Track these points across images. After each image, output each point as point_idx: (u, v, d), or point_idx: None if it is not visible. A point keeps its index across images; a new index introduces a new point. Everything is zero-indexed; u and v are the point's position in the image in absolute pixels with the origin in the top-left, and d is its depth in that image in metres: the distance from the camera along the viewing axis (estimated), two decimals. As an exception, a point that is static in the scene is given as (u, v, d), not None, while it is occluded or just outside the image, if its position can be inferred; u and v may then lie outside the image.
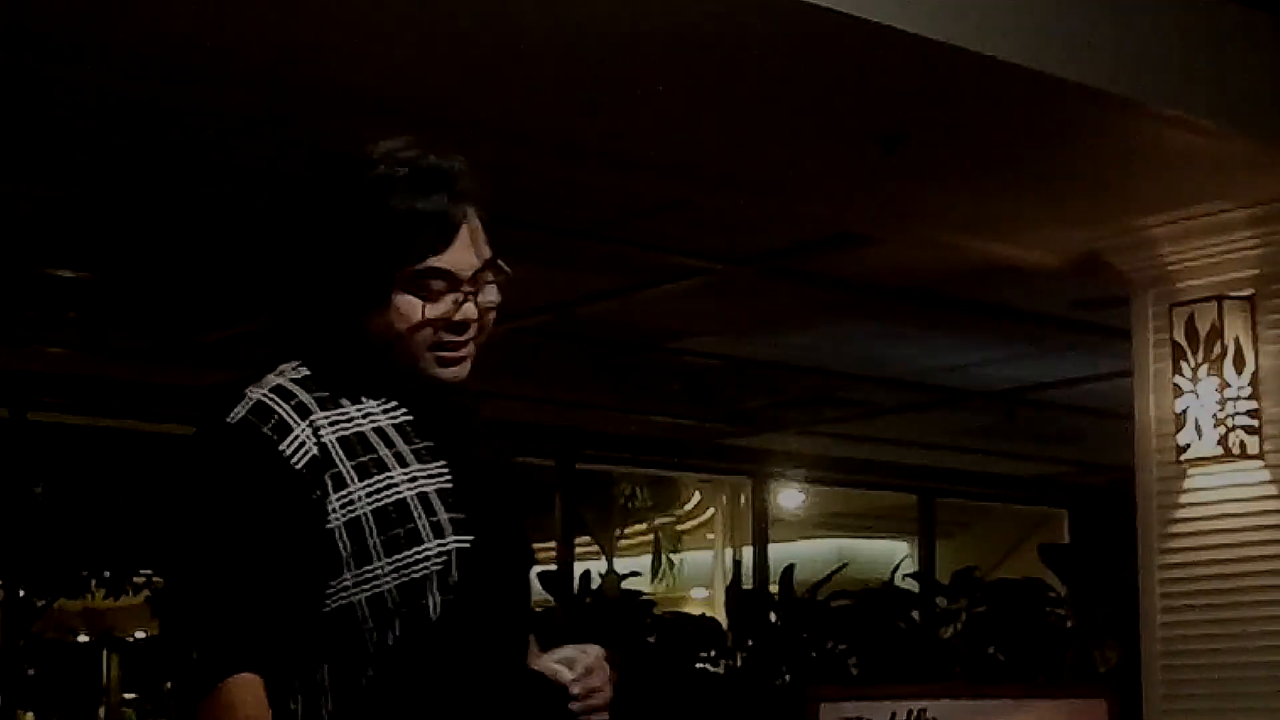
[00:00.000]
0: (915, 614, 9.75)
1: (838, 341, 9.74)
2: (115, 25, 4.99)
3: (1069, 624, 9.06)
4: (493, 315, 2.44)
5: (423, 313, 2.37)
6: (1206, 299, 6.69)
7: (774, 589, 10.88)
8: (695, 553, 16.31)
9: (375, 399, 2.41)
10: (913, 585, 10.25)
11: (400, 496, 2.34)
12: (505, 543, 2.44)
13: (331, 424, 2.36)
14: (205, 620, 2.28)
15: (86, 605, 17.47)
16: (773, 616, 9.94)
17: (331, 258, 2.38)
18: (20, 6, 4.87)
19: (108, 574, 15.82)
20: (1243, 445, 6.59)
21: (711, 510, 15.96)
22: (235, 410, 2.35)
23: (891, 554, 13.89)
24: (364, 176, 2.38)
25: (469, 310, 2.39)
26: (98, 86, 5.60)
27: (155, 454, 12.98)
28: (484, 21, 5.00)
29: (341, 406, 2.38)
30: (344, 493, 2.32)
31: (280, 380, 2.38)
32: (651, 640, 9.63)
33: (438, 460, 2.40)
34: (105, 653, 21.52)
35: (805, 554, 12.72)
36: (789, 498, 14.29)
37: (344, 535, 2.31)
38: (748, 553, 13.44)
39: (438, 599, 2.33)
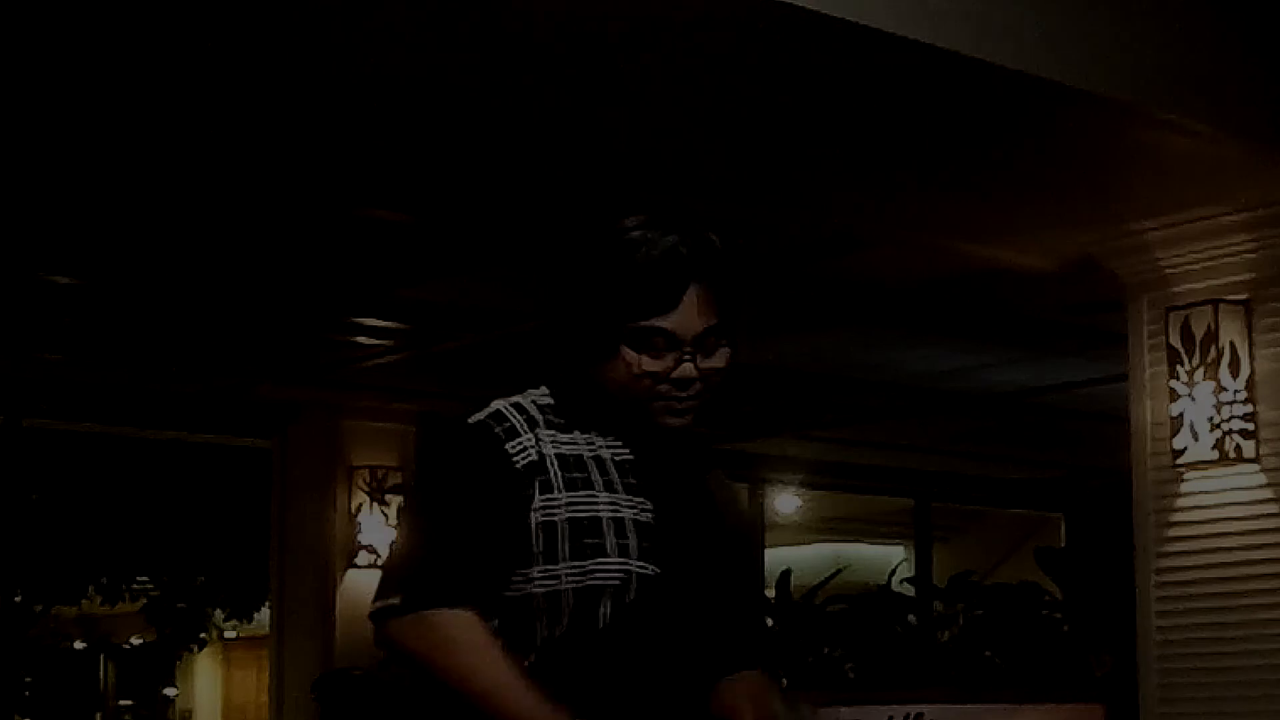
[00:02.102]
0: (911, 618, 9.74)
1: (833, 346, 9.74)
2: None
3: (1065, 628, 9.05)
4: (719, 377, 2.76)
5: (640, 366, 2.70)
6: (1202, 303, 6.69)
7: (770, 594, 10.87)
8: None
9: (602, 433, 2.75)
10: (909, 590, 10.24)
11: (597, 514, 2.68)
12: (691, 581, 2.72)
13: (554, 441, 2.71)
14: (424, 564, 2.65)
15: (82, 611, 17.46)
16: (769, 621, 9.93)
17: (572, 305, 2.74)
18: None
19: (104, 580, 15.81)
20: (1238, 449, 6.59)
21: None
22: (478, 414, 2.74)
23: (888, 559, 13.88)
24: (612, 238, 2.73)
25: (686, 370, 2.72)
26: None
27: (152, 461, 12.98)
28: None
29: (569, 431, 2.73)
30: (548, 497, 2.68)
31: (522, 398, 2.76)
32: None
33: (643, 496, 2.72)
34: (102, 659, 21.50)
35: (802, 559, 12.70)
36: (785, 502, 14.28)
37: (540, 533, 2.66)
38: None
39: (608, 611, 2.65)
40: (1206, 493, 6.71)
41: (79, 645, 20.90)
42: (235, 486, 13.16)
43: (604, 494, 2.70)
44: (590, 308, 2.71)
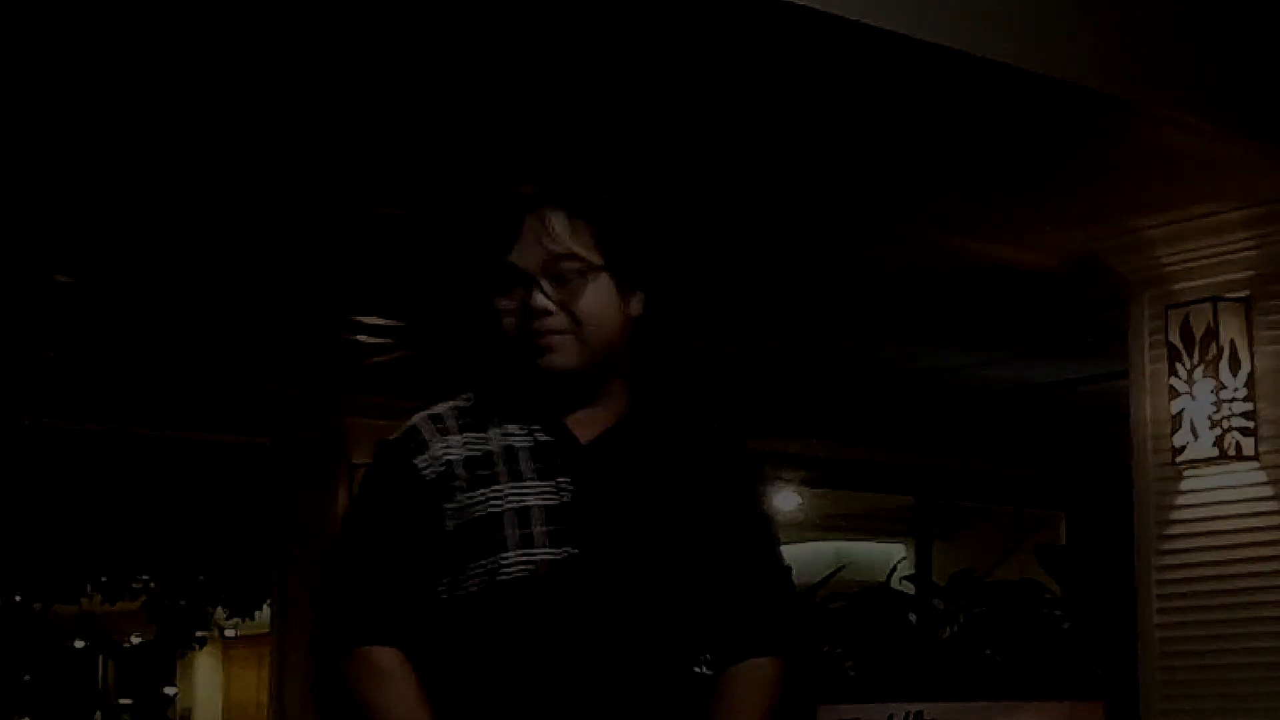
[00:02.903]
0: (912, 616, 9.74)
1: (835, 342, 9.74)
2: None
3: (1065, 626, 9.05)
4: (592, 310, 2.67)
5: (499, 305, 2.66)
6: (1202, 300, 6.69)
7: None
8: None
9: (523, 422, 2.69)
10: (909, 588, 10.24)
11: (499, 509, 2.62)
12: (621, 559, 2.63)
13: (466, 443, 2.68)
14: (336, 598, 2.67)
15: (83, 610, 17.46)
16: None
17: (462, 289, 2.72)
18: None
19: (104, 578, 15.82)
20: (1238, 447, 6.59)
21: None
22: (396, 433, 2.74)
23: (888, 556, 13.89)
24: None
25: (535, 299, 2.63)
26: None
27: (153, 459, 12.97)
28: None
29: (483, 430, 2.69)
30: (455, 502, 2.64)
31: (441, 407, 2.75)
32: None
33: (565, 477, 2.65)
34: (101, 658, 21.50)
35: (802, 556, 12.70)
36: (786, 500, 14.28)
37: (453, 540, 2.64)
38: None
39: (523, 605, 2.58)
40: (1206, 490, 6.71)
41: (79, 644, 20.90)
42: (236, 485, 13.16)
43: (508, 485, 2.65)
44: (465, 266, 2.74)
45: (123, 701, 22.32)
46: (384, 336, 9.26)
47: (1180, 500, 6.78)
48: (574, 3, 4.83)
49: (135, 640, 20.76)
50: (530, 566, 2.60)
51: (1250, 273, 6.67)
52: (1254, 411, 6.59)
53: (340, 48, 5.21)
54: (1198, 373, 6.66)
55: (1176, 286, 6.82)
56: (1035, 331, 9.36)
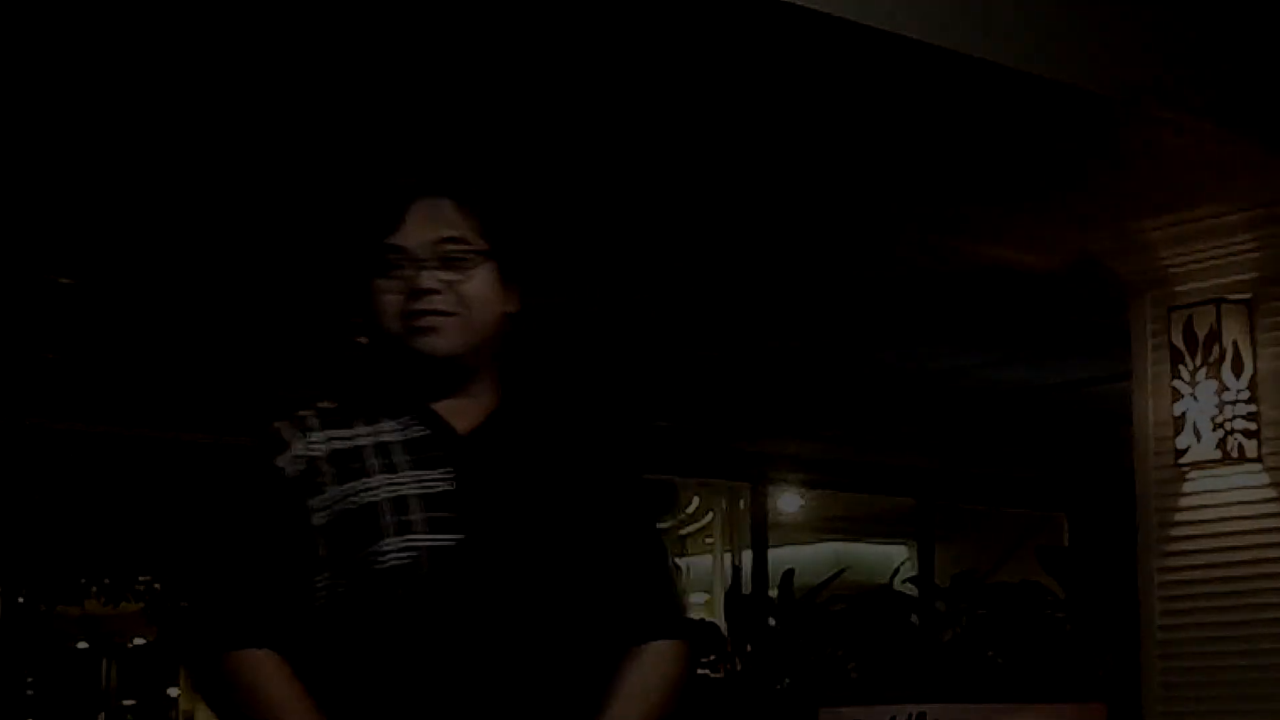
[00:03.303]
0: (914, 618, 9.75)
1: (836, 344, 9.74)
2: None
3: (1067, 628, 9.05)
4: (478, 294, 2.65)
5: (383, 289, 2.63)
6: (1205, 302, 6.68)
7: (773, 593, 10.87)
8: (694, 557, 16.29)
9: (395, 416, 2.65)
10: (911, 589, 10.25)
11: (373, 499, 2.58)
12: (508, 545, 2.59)
13: (328, 440, 2.64)
14: (203, 604, 2.64)
15: (85, 612, 17.45)
16: (772, 621, 9.93)
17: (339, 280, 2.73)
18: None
19: (107, 580, 15.81)
20: (1241, 448, 6.58)
21: (711, 515, 15.95)
22: (260, 437, 2.71)
23: (890, 558, 13.88)
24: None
25: (423, 279, 2.61)
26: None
27: (154, 460, 12.98)
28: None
29: (352, 427, 2.65)
30: (322, 498, 2.60)
31: (306, 410, 2.72)
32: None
33: (446, 466, 2.61)
34: (104, 660, 21.53)
35: (804, 558, 12.70)
36: (788, 502, 14.27)
37: (323, 536, 2.59)
38: (747, 557, 13.42)
39: (404, 593, 2.54)
40: (1209, 492, 6.71)
41: (81, 645, 20.92)
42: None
43: (380, 477, 2.60)
44: (341, 250, 2.70)
45: (125, 703, 22.32)
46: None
47: (1183, 502, 6.77)
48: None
49: (138, 642, 20.76)
50: (412, 553, 2.56)
51: (1253, 274, 6.67)
52: (1257, 413, 6.59)
53: (331, 38, 5.21)
54: (1200, 374, 6.66)
55: (1179, 288, 6.82)
56: (1037, 333, 9.35)
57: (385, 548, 2.56)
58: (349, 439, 2.65)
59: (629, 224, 7.35)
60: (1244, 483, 6.63)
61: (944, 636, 9.49)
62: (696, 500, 16.00)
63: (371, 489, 2.60)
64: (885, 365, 10.25)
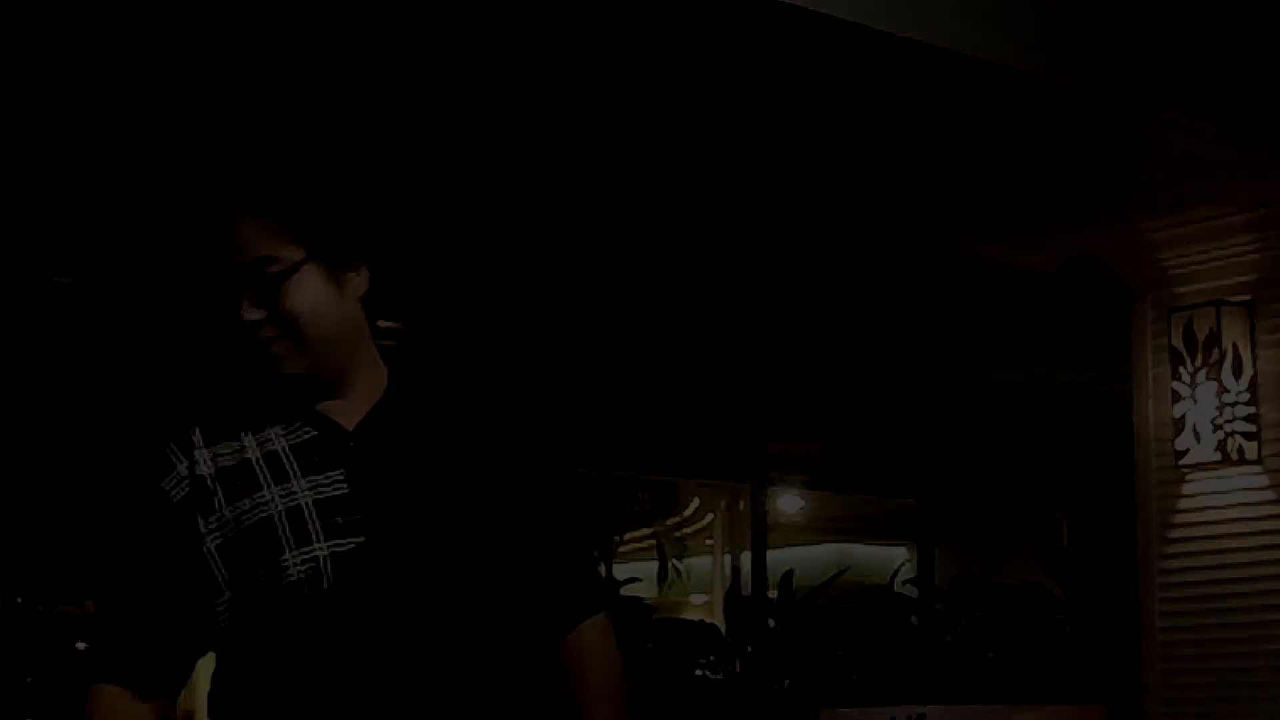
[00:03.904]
0: (914, 619, 9.74)
1: (837, 344, 9.74)
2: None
3: (1067, 629, 9.05)
4: (299, 308, 2.54)
5: (228, 309, 2.56)
6: (1205, 304, 6.68)
7: (773, 594, 10.87)
8: (694, 558, 16.27)
9: (283, 422, 2.58)
10: (911, 591, 10.25)
11: (266, 514, 2.52)
12: (410, 541, 2.53)
13: (215, 457, 2.56)
14: (92, 638, 2.62)
15: (85, 612, 17.43)
16: (772, 622, 9.93)
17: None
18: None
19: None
20: (1241, 450, 6.58)
21: (710, 515, 15.94)
22: (143, 460, 2.63)
23: (891, 559, 13.88)
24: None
25: (246, 312, 2.54)
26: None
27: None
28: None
29: (237, 439, 2.57)
30: (214, 518, 2.54)
31: (189, 428, 2.61)
32: (650, 646, 9.62)
33: (338, 469, 2.54)
34: (104, 659, 21.47)
35: (804, 560, 12.70)
36: (788, 502, 14.26)
37: (217, 556, 2.54)
38: (746, 558, 13.42)
39: (311, 603, 2.48)
40: (1209, 494, 6.70)
41: (81, 646, 20.91)
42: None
43: (274, 488, 2.54)
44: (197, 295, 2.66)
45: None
46: (383, 339, 9.24)
47: (1183, 504, 6.77)
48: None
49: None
50: (311, 564, 2.50)
51: (1253, 276, 6.67)
52: (1257, 415, 6.58)
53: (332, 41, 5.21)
54: (1200, 376, 6.65)
55: (1179, 290, 6.81)
56: (1037, 335, 9.35)
57: (285, 562, 2.50)
58: (236, 452, 2.58)
59: (627, 222, 7.35)
60: (1244, 484, 6.63)
61: (944, 638, 9.49)
62: (696, 501, 16.01)
63: (263, 503, 2.54)
64: (885, 366, 10.24)
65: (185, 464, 2.57)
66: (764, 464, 13.00)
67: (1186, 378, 6.69)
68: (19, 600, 12.27)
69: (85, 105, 5.62)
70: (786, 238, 7.56)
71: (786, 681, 9.47)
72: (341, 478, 2.55)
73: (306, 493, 2.54)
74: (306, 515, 2.52)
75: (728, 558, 14.81)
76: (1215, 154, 6.10)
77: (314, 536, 2.51)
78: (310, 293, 2.57)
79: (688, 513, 16.17)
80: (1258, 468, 6.59)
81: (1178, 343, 6.72)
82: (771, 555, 13.13)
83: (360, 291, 2.63)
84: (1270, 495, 6.57)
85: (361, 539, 2.51)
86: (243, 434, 2.59)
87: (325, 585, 2.50)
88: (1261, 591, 6.56)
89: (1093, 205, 6.69)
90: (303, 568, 2.50)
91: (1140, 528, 6.88)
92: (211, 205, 2.59)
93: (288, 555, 2.50)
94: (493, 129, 5.90)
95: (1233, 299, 6.66)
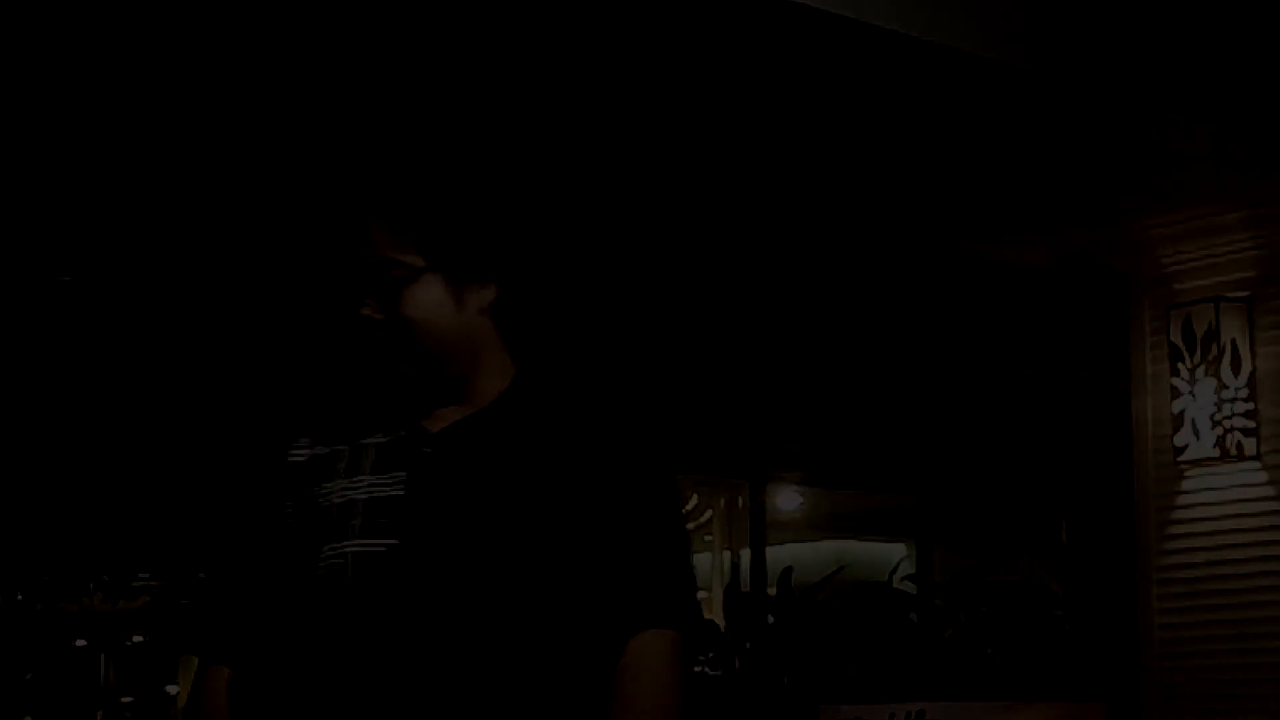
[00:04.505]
0: (913, 616, 9.74)
1: (837, 341, 9.74)
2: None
3: (1066, 626, 9.05)
4: (416, 315, 2.59)
5: (348, 315, 2.63)
6: (1203, 300, 6.68)
7: (772, 591, 10.87)
8: (693, 555, 16.27)
9: (384, 421, 2.65)
10: (910, 587, 10.25)
11: (326, 505, 2.59)
12: (440, 551, 2.54)
13: (314, 444, 2.67)
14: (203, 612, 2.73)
15: (84, 609, 17.45)
16: (771, 619, 9.93)
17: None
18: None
19: (106, 578, 15.81)
20: (1240, 447, 6.59)
21: (709, 512, 15.96)
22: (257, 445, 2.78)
23: (889, 556, 13.89)
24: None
25: (364, 311, 2.62)
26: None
27: (157, 457, 12.98)
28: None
29: (342, 432, 2.66)
30: (295, 503, 2.63)
31: (303, 416, 2.72)
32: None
33: (396, 471, 2.59)
34: (103, 657, 21.52)
35: (803, 556, 12.71)
36: (786, 499, 14.28)
37: (287, 540, 2.63)
38: (745, 555, 13.43)
39: (333, 597, 2.54)
40: (1208, 490, 6.71)
41: (80, 643, 20.91)
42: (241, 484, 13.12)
43: (339, 482, 2.61)
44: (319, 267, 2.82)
45: (124, 700, 22.31)
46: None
47: (1181, 500, 6.77)
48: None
49: (136, 640, 20.76)
50: (340, 559, 2.55)
51: (1251, 273, 6.67)
52: (1255, 411, 6.59)
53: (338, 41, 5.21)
54: (1199, 373, 6.66)
55: (1178, 287, 6.82)
56: (1035, 331, 9.35)
57: (324, 553, 2.56)
58: (333, 444, 2.66)
59: (628, 219, 7.35)
60: (1243, 481, 6.63)
61: (943, 634, 9.49)
62: (695, 498, 16.02)
63: (327, 494, 2.61)
64: (883, 363, 10.25)
65: (290, 449, 2.69)
66: (762, 461, 13.01)
67: (1185, 374, 6.70)
68: (19, 598, 12.28)
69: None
70: (787, 236, 7.57)
71: (786, 678, 9.47)
72: (402, 480, 2.59)
73: (365, 490, 2.59)
74: (355, 511, 2.58)
75: (726, 554, 14.84)
76: (1214, 151, 6.10)
77: (352, 532, 2.56)
78: (428, 301, 2.61)
79: (687, 509, 16.17)
80: (1256, 464, 6.60)
81: (1176, 339, 6.73)
82: (770, 552, 13.15)
83: (485, 303, 2.66)
84: (1269, 491, 6.57)
85: (393, 542, 2.54)
86: (348, 427, 2.67)
87: (345, 581, 2.54)
88: (1260, 588, 6.56)
89: (1091, 202, 6.70)
90: (332, 561, 2.55)
91: (1139, 524, 6.89)
92: (346, 206, 2.66)
93: (328, 547, 2.57)
94: (496, 125, 5.90)
95: (1231, 295, 6.66)
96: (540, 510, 2.57)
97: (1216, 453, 6.61)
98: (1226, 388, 6.60)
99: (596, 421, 2.69)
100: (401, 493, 2.57)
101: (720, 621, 10.07)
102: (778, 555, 12.84)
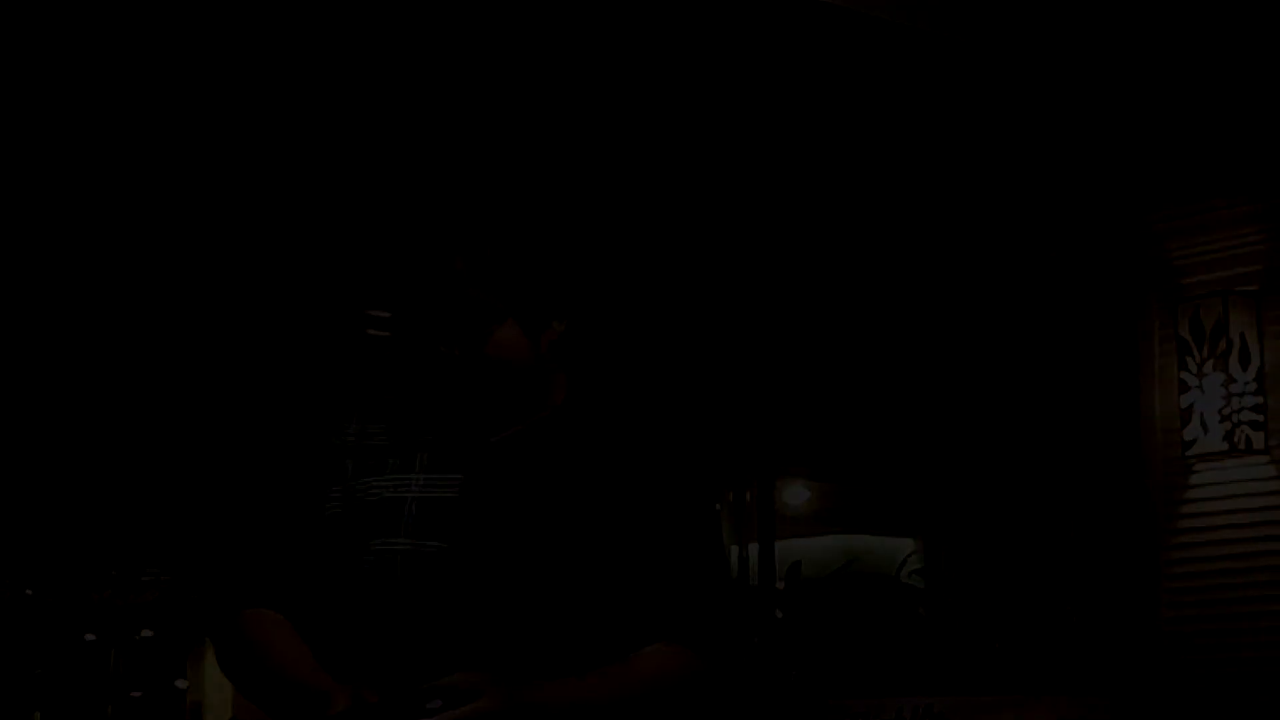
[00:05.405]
0: (921, 610, 9.74)
1: (841, 335, 9.74)
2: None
3: (1074, 620, 9.05)
4: (494, 357, 2.63)
5: (426, 349, 2.66)
6: (1211, 294, 6.68)
7: (780, 585, 10.87)
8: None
9: (429, 414, 2.66)
10: (919, 581, 10.24)
11: (377, 498, 2.60)
12: (483, 560, 2.56)
13: (364, 431, 2.67)
14: (221, 565, 2.71)
15: (93, 604, 17.47)
16: (779, 613, 9.93)
17: None
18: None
19: (114, 572, 15.82)
20: (1248, 440, 6.58)
21: (717, 506, 15.93)
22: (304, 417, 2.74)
23: (898, 550, 13.88)
24: None
25: (441, 343, 2.63)
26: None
27: (161, 454, 13.00)
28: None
29: (395, 427, 2.67)
30: (341, 487, 2.63)
31: (357, 402, 2.73)
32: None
33: (453, 473, 2.60)
34: (112, 652, 21.55)
35: (811, 550, 12.70)
36: (795, 493, 14.27)
37: (330, 525, 2.63)
38: (753, 549, 13.42)
39: (376, 594, 2.56)
40: (1216, 484, 6.71)
41: (89, 638, 20.94)
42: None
43: (392, 476, 2.63)
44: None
45: (133, 694, 22.35)
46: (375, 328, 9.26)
47: (1190, 494, 6.77)
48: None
49: (146, 634, 20.79)
50: (388, 556, 2.57)
51: (1260, 266, 6.66)
52: (1264, 405, 6.58)
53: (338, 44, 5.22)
54: (1208, 366, 6.65)
55: (1186, 280, 6.81)
56: (1043, 324, 9.34)
57: (371, 546, 2.58)
58: (387, 437, 2.66)
59: (640, 221, 7.36)
60: (1251, 474, 6.63)
61: (951, 629, 9.48)
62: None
63: (377, 486, 2.62)
64: (889, 356, 10.24)
65: (337, 431, 2.67)
66: (770, 454, 13.00)
67: (1193, 368, 6.69)
68: (28, 592, 12.29)
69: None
70: (796, 233, 7.57)
71: (794, 673, 9.47)
72: (457, 481, 2.61)
73: (418, 488, 2.61)
74: (404, 509, 2.60)
75: (734, 548, 14.84)
76: (1224, 144, 6.10)
77: (399, 530, 2.58)
78: (508, 342, 2.64)
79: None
80: (1265, 458, 6.59)
81: (1185, 333, 6.73)
82: (779, 546, 13.14)
83: (554, 338, 2.70)
84: (1278, 485, 6.57)
85: (446, 545, 2.57)
86: (402, 424, 2.67)
87: (396, 580, 2.56)
88: (1269, 582, 6.56)
89: (1100, 196, 6.69)
90: (381, 556, 2.57)
91: (1147, 518, 6.88)
92: (432, 240, 2.68)
93: (375, 541, 2.58)
94: (497, 125, 5.91)
95: (1240, 289, 6.65)
96: (588, 524, 2.61)
97: (1225, 447, 6.61)
98: (1235, 381, 6.59)
99: (647, 439, 2.74)
100: (453, 495, 2.60)
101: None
102: (786, 549, 12.82)
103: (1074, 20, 5.42)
